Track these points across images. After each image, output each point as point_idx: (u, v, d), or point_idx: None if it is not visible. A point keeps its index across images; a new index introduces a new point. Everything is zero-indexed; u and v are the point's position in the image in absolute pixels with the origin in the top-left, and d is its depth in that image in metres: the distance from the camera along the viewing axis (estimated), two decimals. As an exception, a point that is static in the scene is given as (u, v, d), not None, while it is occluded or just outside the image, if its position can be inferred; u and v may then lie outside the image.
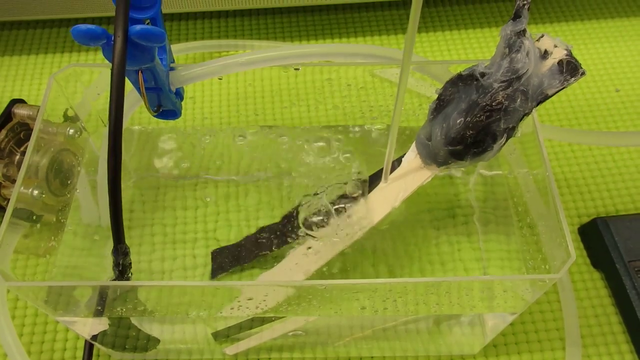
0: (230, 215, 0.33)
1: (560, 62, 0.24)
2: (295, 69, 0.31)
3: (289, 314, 0.27)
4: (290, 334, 0.31)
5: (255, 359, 0.32)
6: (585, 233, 0.36)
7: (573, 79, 0.24)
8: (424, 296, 0.25)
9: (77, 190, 0.32)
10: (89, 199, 0.32)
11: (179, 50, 0.44)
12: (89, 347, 0.32)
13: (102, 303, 0.25)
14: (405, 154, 0.29)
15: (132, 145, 0.35)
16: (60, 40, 0.46)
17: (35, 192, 0.28)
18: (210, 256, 0.32)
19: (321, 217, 0.31)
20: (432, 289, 0.25)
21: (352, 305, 0.26)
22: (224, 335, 0.31)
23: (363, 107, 0.34)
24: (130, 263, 0.24)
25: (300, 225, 0.31)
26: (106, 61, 0.23)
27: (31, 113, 0.34)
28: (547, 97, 0.24)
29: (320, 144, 0.34)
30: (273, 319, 0.29)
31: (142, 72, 0.24)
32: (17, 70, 0.44)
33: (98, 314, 0.26)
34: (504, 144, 0.25)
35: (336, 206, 0.31)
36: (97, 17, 0.45)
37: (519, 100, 0.24)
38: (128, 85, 0.22)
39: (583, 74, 0.24)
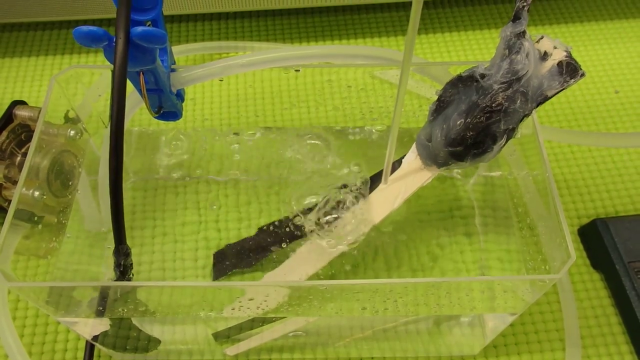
0: (231, 215, 0.34)
1: (559, 64, 0.24)
2: (296, 71, 0.32)
3: (289, 315, 0.28)
4: (291, 334, 0.31)
5: (255, 359, 0.32)
6: (585, 234, 0.36)
7: (573, 80, 0.24)
8: (425, 296, 0.25)
9: (78, 192, 0.32)
10: (89, 200, 0.32)
11: (180, 51, 0.44)
12: (90, 348, 0.32)
13: (103, 303, 0.25)
14: (405, 155, 0.29)
15: (133, 146, 0.35)
16: (60, 42, 0.46)
17: (37, 193, 0.28)
18: (211, 257, 0.32)
19: (322, 218, 0.31)
20: (432, 290, 0.25)
21: (353, 305, 0.26)
22: (224, 336, 0.31)
23: (363, 108, 0.34)
24: (132, 263, 0.25)
25: (302, 226, 0.31)
26: (107, 63, 0.23)
27: (32, 114, 0.34)
28: (546, 98, 0.24)
29: (321, 145, 0.35)
30: (274, 319, 0.29)
31: (143, 73, 0.24)
32: (18, 72, 0.45)
33: (99, 314, 0.26)
34: (504, 145, 0.25)
35: (337, 207, 0.31)
36: (97, 19, 0.45)
37: (518, 101, 0.24)
38: (129, 86, 0.23)
39: (582, 75, 0.24)
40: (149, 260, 0.32)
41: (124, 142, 0.22)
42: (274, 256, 0.32)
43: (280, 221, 0.32)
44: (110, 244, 0.30)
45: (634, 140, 0.40)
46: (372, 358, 0.32)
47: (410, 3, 0.20)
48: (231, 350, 0.32)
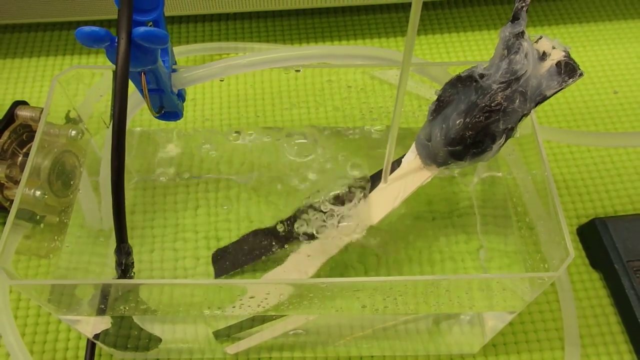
0: (231, 215, 0.34)
1: (558, 64, 0.24)
2: (296, 71, 0.32)
3: (290, 313, 0.28)
4: (291, 332, 0.31)
5: (256, 358, 0.32)
6: (584, 234, 0.37)
7: (571, 80, 0.24)
8: (424, 294, 0.25)
9: (80, 191, 0.32)
10: (91, 200, 0.32)
11: (181, 52, 0.44)
12: (91, 347, 0.32)
13: (104, 302, 0.25)
14: (405, 155, 0.29)
15: (134, 146, 0.35)
16: (61, 42, 0.47)
17: (38, 193, 0.29)
18: (211, 257, 0.33)
19: (322, 218, 0.31)
20: (431, 287, 0.25)
21: (353, 303, 0.26)
22: (225, 335, 0.31)
23: (363, 108, 0.35)
24: (133, 262, 0.25)
25: (302, 225, 0.31)
26: (108, 63, 0.24)
27: (33, 115, 0.34)
28: (545, 98, 0.24)
29: (321, 145, 0.35)
30: (274, 317, 0.29)
31: (144, 73, 0.24)
32: (19, 72, 0.45)
33: (101, 312, 0.26)
34: (503, 144, 0.25)
35: (337, 206, 0.31)
36: (98, 20, 0.45)
37: (517, 101, 0.24)
38: (130, 87, 0.23)
39: (581, 75, 0.24)
40: (149, 259, 0.33)
41: (126, 143, 0.22)
42: (274, 255, 0.32)
43: (280, 221, 0.32)
44: (112, 244, 0.30)
45: (633, 140, 0.41)
46: (372, 357, 0.33)
47: (410, 4, 0.20)
48: (231, 349, 0.32)
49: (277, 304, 0.25)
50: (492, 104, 0.24)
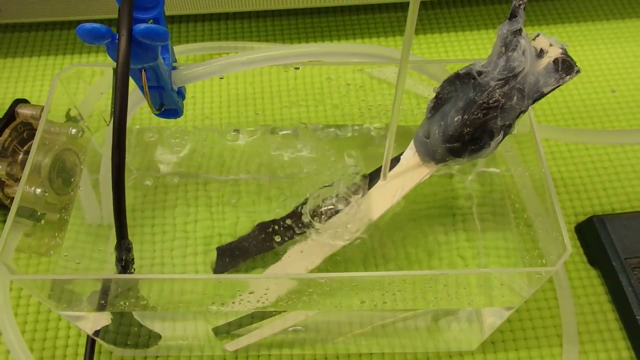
0: (231, 213, 0.34)
1: (555, 61, 0.24)
2: (295, 68, 0.32)
3: (289, 308, 0.28)
4: (290, 329, 0.31)
5: (255, 355, 0.32)
6: (582, 231, 0.37)
7: (568, 76, 0.24)
8: (423, 290, 0.26)
9: (80, 189, 0.32)
10: (91, 198, 0.32)
11: (180, 51, 0.45)
12: (90, 344, 0.32)
13: (105, 297, 0.25)
14: (403, 152, 0.29)
15: (133, 144, 0.35)
16: (62, 42, 0.47)
17: (38, 191, 0.29)
18: (210, 254, 0.33)
19: (321, 215, 0.31)
20: (430, 282, 0.25)
21: (352, 299, 0.26)
22: (224, 331, 0.31)
23: (362, 106, 0.35)
24: (133, 258, 0.25)
25: (302, 222, 0.32)
26: (109, 61, 0.24)
27: (34, 113, 0.34)
28: (542, 95, 0.25)
29: (321, 142, 0.35)
30: (273, 313, 0.29)
31: (145, 70, 0.25)
32: (20, 72, 0.45)
33: (101, 308, 0.26)
34: (501, 141, 0.25)
35: (336, 203, 0.31)
36: (98, 19, 0.45)
37: (515, 98, 0.24)
38: (131, 84, 0.23)
39: (578, 71, 0.24)
40: (150, 257, 0.33)
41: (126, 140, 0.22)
42: (274, 252, 0.32)
43: (280, 218, 0.32)
44: (112, 241, 0.31)
45: (630, 137, 0.41)
46: (371, 354, 0.33)
47: (408, 4, 0.20)
48: (231, 345, 0.32)
49: (277, 299, 0.26)
50: (490, 101, 0.24)
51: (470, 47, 0.47)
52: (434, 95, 0.27)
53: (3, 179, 0.33)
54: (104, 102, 0.32)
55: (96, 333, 0.30)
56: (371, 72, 0.33)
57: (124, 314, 0.29)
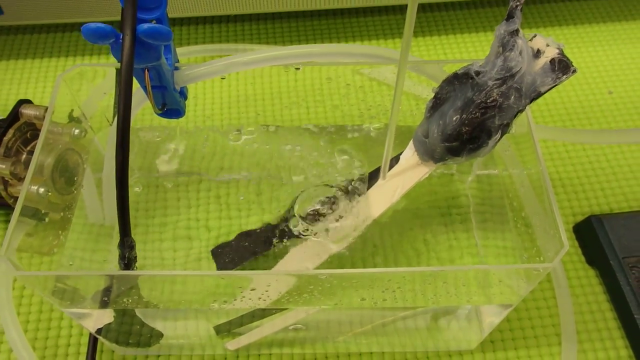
0: (232, 213, 0.34)
1: (552, 61, 0.24)
2: (296, 69, 0.32)
3: (290, 306, 0.28)
4: (291, 328, 0.31)
5: (256, 354, 0.33)
6: (580, 231, 0.37)
7: (565, 76, 0.24)
8: (422, 287, 0.26)
9: (83, 188, 0.32)
10: (94, 197, 0.33)
11: (182, 53, 0.45)
12: (93, 342, 0.32)
13: (108, 294, 0.26)
14: (403, 152, 0.29)
15: (135, 144, 0.36)
16: (64, 43, 0.47)
17: (42, 190, 0.29)
18: (211, 254, 0.33)
19: (322, 214, 0.31)
20: (429, 279, 0.25)
21: (352, 296, 0.26)
22: (225, 330, 0.31)
23: (362, 106, 0.35)
24: (136, 256, 0.25)
25: (302, 222, 0.32)
26: (111, 62, 0.24)
27: (38, 113, 0.34)
28: (540, 94, 0.25)
29: (321, 143, 0.35)
30: (274, 311, 0.30)
31: (148, 70, 0.25)
32: (23, 73, 0.45)
33: (104, 305, 0.26)
34: (499, 140, 0.26)
35: (336, 203, 0.32)
36: (101, 22, 0.45)
37: (512, 97, 0.25)
38: (134, 85, 0.23)
39: (574, 71, 0.24)
40: (151, 256, 0.33)
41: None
42: (275, 252, 0.32)
43: (280, 218, 0.33)
44: (115, 240, 0.31)
45: (627, 136, 0.41)
46: (371, 353, 0.33)
47: (406, 6, 0.21)
48: (232, 344, 0.32)
49: (278, 297, 0.26)
50: (488, 100, 0.25)
51: (469, 49, 0.47)
52: (432, 95, 0.27)
53: (7, 179, 0.33)
54: (107, 102, 0.33)
55: (98, 331, 0.30)
56: (370, 73, 0.33)
57: (126, 311, 0.29)
